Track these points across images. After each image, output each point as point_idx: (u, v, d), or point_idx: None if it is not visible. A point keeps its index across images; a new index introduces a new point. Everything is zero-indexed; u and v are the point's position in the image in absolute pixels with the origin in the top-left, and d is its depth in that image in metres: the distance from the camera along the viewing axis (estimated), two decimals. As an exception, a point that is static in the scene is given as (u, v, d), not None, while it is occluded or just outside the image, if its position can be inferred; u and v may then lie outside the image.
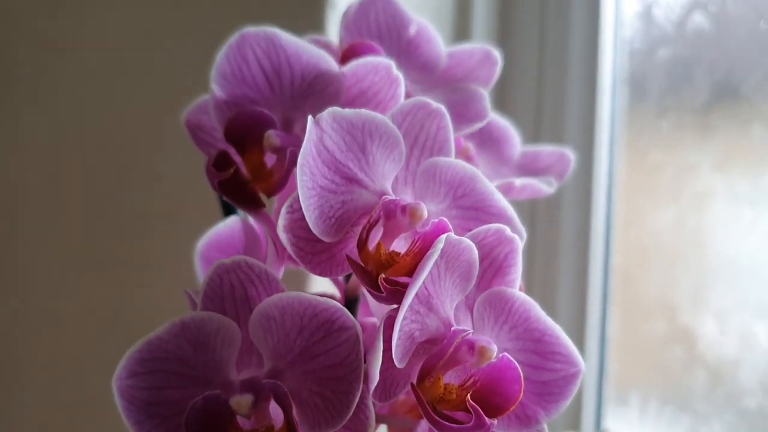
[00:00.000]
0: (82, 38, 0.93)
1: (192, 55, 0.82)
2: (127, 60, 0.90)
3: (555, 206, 0.95)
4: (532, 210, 0.96)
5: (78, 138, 0.93)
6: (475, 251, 0.36)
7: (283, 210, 0.36)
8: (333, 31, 0.75)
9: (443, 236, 0.34)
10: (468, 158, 0.53)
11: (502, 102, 0.96)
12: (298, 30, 0.67)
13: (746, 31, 0.89)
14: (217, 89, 0.42)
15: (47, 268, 0.94)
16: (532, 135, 0.97)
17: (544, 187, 0.50)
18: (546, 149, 0.57)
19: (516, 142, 0.56)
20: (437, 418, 0.34)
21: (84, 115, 0.92)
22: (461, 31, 0.92)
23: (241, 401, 0.34)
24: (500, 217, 0.40)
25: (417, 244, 0.36)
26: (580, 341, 0.94)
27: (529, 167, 0.56)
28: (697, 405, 0.89)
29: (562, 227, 0.95)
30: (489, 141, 0.55)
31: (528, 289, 0.93)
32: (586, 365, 1.03)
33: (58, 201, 0.94)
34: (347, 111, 0.38)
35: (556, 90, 0.96)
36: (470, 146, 0.53)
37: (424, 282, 0.34)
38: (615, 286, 0.97)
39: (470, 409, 0.34)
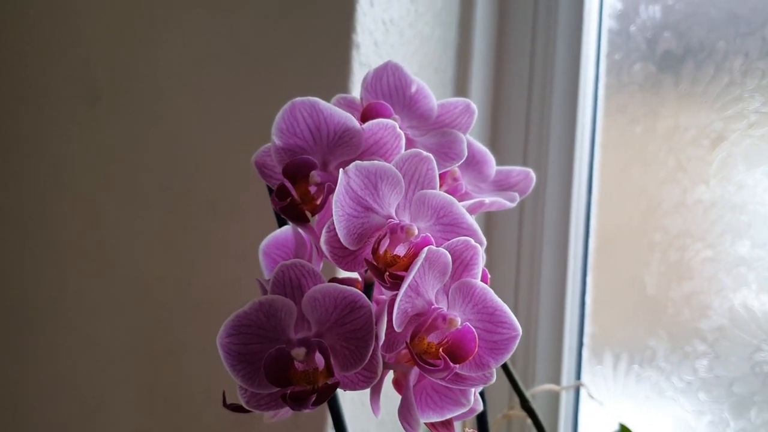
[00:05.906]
0: (153, 62, 1.00)
1: (244, 85, 0.93)
2: (190, 80, 0.99)
3: (540, 198, 1.04)
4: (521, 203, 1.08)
5: (151, 145, 1.01)
6: (449, 256, 0.48)
7: (324, 230, 0.48)
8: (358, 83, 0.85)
9: (426, 248, 0.47)
10: (455, 179, 0.62)
11: (495, 122, 1.06)
12: (332, 82, 0.81)
13: (706, 51, 1.02)
14: (276, 140, 0.51)
15: (129, 250, 1.02)
16: (523, 140, 1.09)
17: (507, 202, 0.60)
18: (515, 169, 0.65)
19: (492, 164, 0.64)
20: (422, 363, 0.47)
21: (155, 126, 1.01)
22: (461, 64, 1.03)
23: (299, 352, 0.46)
24: (468, 231, 0.51)
25: (411, 251, 0.48)
26: (561, 309, 1.03)
27: (502, 183, 0.65)
28: (660, 364, 1.00)
29: (546, 215, 1.04)
30: (472, 163, 0.63)
31: (517, 266, 1.09)
32: (568, 330, 1.19)
33: (136, 197, 1.01)
34: (366, 162, 0.49)
35: (543, 103, 1.04)
36: (456, 169, 0.61)
37: (414, 277, 0.46)
38: (593, 263, 1.06)
39: (441, 357, 0.47)
